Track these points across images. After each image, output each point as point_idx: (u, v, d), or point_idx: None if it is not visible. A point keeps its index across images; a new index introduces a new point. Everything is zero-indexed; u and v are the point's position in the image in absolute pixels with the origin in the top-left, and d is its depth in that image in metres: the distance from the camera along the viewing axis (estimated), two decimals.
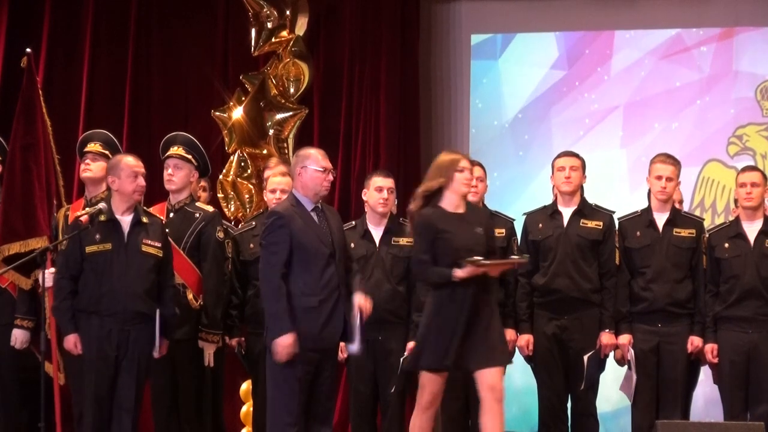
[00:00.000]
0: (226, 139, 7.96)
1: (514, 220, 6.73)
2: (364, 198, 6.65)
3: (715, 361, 6.39)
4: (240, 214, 7.84)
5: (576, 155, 6.63)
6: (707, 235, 6.51)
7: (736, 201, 6.78)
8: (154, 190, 7.26)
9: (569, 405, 6.55)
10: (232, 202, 7.93)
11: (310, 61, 8.12)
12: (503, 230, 6.56)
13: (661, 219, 6.51)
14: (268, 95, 7.98)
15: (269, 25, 8.02)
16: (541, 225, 6.58)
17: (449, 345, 5.65)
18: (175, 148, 6.53)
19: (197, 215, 6.42)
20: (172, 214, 6.45)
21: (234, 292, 6.57)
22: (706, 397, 7.28)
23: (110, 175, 6.00)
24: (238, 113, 7.89)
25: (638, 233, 6.51)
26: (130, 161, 6.01)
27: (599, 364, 6.49)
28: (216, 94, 8.29)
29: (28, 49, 6.74)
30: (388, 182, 6.58)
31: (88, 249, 5.88)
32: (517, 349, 6.54)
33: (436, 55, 8.51)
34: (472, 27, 8.49)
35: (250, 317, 6.47)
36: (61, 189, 6.78)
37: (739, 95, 8.08)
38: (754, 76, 8.08)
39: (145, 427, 6.60)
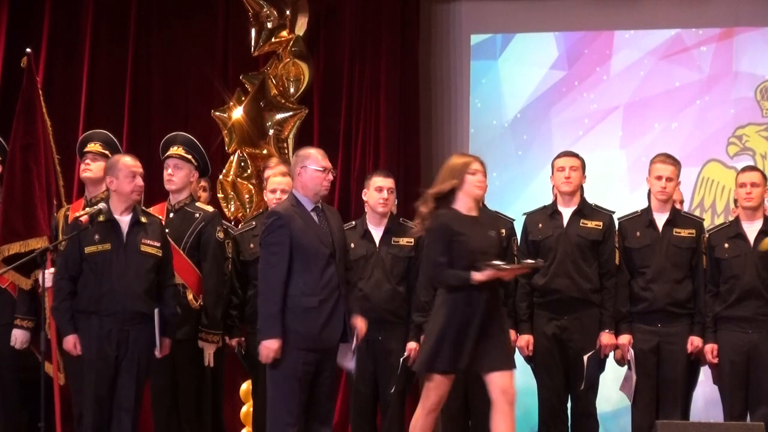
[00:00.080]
0: (226, 139, 7.96)
1: (513, 220, 6.73)
2: (364, 198, 6.66)
3: (715, 361, 6.39)
4: (240, 214, 7.84)
5: (576, 155, 6.63)
6: (707, 235, 6.51)
7: (736, 201, 6.78)
8: (154, 190, 7.27)
9: (569, 405, 6.55)
10: (232, 202, 7.93)
11: (310, 61, 8.12)
12: (503, 230, 6.56)
13: (661, 219, 6.51)
14: (268, 95, 7.98)
15: (269, 25, 8.02)
16: (540, 225, 6.58)
17: (463, 348, 5.65)
18: (175, 148, 6.53)
19: (197, 215, 6.42)
20: (172, 214, 6.45)
21: (234, 292, 6.57)
22: (706, 397, 7.28)
23: (108, 176, 6.00)
24: (238, 113, 7.89)
25: (638, 233, 6.51)
26: (127, 161, 6.01)
27: (599, 364, 6.49)
28: (216, 94, 8.29)
29: (28, 49, 6.74)
30: (388, 182, 6.58)
31: (87, 249, 5.88)
32: (517, 349, 6.54)
33: (436, 55, 8.51)
34: (472, 27, 8.49)
35: (250, 317, 6.47)
36: (61, 189, 6.78)
37: (739, 95, 8.08)
38: (754, 76, 8.08)
39: (145, 427, 6.60)
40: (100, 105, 8.58)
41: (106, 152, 6.49)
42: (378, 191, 6.55)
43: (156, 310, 5.89)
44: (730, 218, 6.97)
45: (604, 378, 6.58)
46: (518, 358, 6.57)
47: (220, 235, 6.42)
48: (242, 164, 7.94)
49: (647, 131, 8.17)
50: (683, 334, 6.41)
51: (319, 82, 8.38)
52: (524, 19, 8.40)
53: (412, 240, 6.57)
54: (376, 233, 6.58)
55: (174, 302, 6.06)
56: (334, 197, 7.98)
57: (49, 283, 6.15)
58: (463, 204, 5.78)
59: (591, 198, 6.68)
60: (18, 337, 6.47)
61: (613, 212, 6.64)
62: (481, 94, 8.45)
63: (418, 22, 8.41)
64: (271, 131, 7.96)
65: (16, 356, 6.52)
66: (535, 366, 6.59)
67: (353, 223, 6.70)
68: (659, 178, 6.48)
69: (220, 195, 7.92)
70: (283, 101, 8.01)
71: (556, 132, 8.30)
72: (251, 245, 6.51)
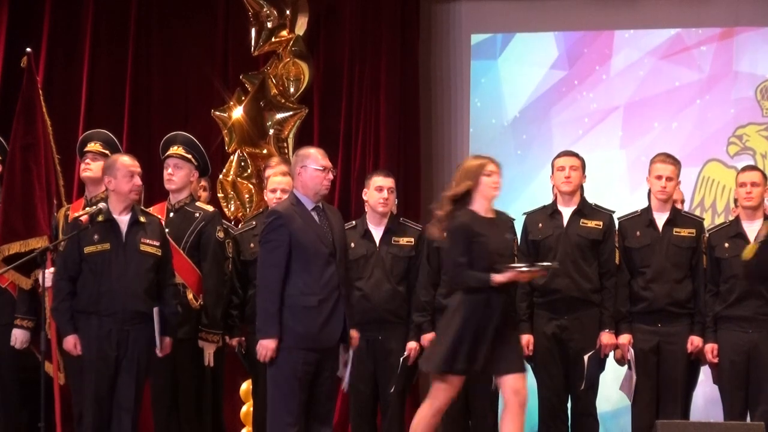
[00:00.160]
0: (226, 139, 7.96)
1: (514, 220, 6.72)
2: (365, 198, 6.66)
3: (715, 361, 6.38)
4: (240, 214, 7.84)
5: (576, 155, 6.63)
6: (707, 235, 6.51)
7: (736, 201, 6.78)
8: (154, 190, 7.27)
9: (569, 405, 6.55)
10: (232, 202, 7.93)
11: (310, 61, 8.12)
12: None
13: (661, 219, 6.51)
14: (268, 95, 7.97)
15: (269, 24, 8.02)
16: (540, 225, 6.58)
17: (480, 350, 5.65)
18: (175, 147, 6.53)
19: (197, 215, 6.42)
20: (172, 214, 6.45)
21: (234, 292, 6.56)
22: (706, 397, 7.27)
23: (106, 176, 6.00)
24: (238, 113, 7.89)
25: (638, 233, 6.51)
26: (125, 161, 6.01)
27: (599, 364, 6.49)
28: (216, 94, 8.29)
29: (28, 49, 6.74)
30: (388, 182, 6.59)
31: (87, 250, 5.88)
32: None
33: (436, 55, 8.51)
34: (472, 27, 8.49)
35: (251, 317, 6.45)
36: (61, 189, 6.78)
37: (739, 95, 8.08)
38: (754, 76, 8.08)
39: (145, 427, 6.60)
40: (100, 105, 8.57)
41: (106, 152, 6.50)
42: (378, 191, 6.56)
43: (155, 309, 5.88)
44: (731, 218, 6.97)
45: (604, 378, 6.58)
46: None
47: (220, 234, 6.42)
48: (242, 164, 7.94)
49: (647, 131, 8.17)
50: (683, 333, 6.41)
51: (319, 82, 8.38)
52: (524, 18, 8.40)
53: (412, 240, 6.58)
54: (377, 233, 6.58)
55: (174, 301, 6.06)
56: (334, 197, 7.98)
57: (49, 282, 6.15)
58: (479, 205, 5.79)
59: (591, 198, 6.68)
60: (18, 336, 6.47)
61: (613, 212, 6.64)
62: (481, 93, 8.44)
63: (418, 22, 8.41)
64: (271, 131, 7.96)
65: (16, 356, 6.52)
66: (535, 366, 6.58)
67: (353, 222, 6.70)
68: (659, 177, 6.48)
69: (220, 195, 7.92)
70: (283, 101, 8.01)
71: (556, 132, 8.30)
72: (251, 245, 6.51)
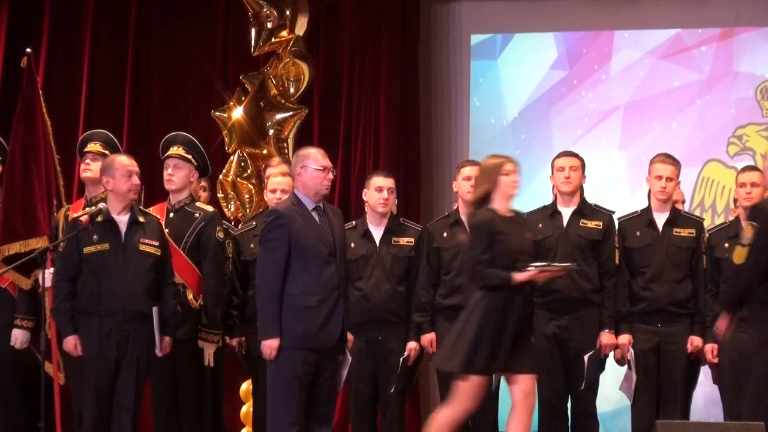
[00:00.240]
0: (226, 139, 7.96)
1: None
2: (365, 198, 6.66)
3: (715, 361, 6.38)
4: (240, 214, 7.84)
5: (575, 155, 6.63)
6: (707, 235, 6.51)
7: (735, 201, 6.78)
8: (154, 190, 7.27)
9: (569, 405, 6.55)
10: (232, 202, 7.93)
11: (310, 61, 8.12)
12: None
13: (660, 219, 6.51)
14: (268, 95, 7.98)
15: (269, 25, 8.02)
16: (540, 225, 6.57)
17: (500, 349, 5.63)
18: (175, 148, 6.53)
19: (197, 215, 6.42)
20: (172, 214, 6.45)
21: (235, 292, 6.56)
22: (706, 397, 7.27)
23: (104, 176, 6.00)
24: (238, 113, 7.89)
25: (638, 233, 6.51)
26: (123, 160, 6.01)
27: (599, 364, 6.49)
28: (216, 94, 8.29)
29: (28, 49, 6.74)
30: (388, 182, 6.59)
31: (86, 250, 5.88)
32: None
33: (436, 55, 8.51)
34: (472, 27, 8.49)
35: (251, 317, 6.46)
36: (61, 189, 6.78)
37: (739, 95, 8.08)
38: (754, 76, 8.08)
39: (145, 427, 6.60)
40: (100, 105, 8.57)
41: (106, 152, 6.50)
42: (378, 191, 6.56)
43: (154, 309, 5.88)
44: (730, 218, 6.97)
45: (604, 378, 6.58)
46: None
47: (220, 234, 6.42)
48: (242, 164, 7.94)
49: (647, 131, 8.17)
50: (683, 333, 6.41)
51: (319, 82, 8.38)
52: (524, 19, 8.40)
53: (412, 240, 6.59)
54: (377, 233, 6.59)
55: (174, 301, 6.06)
56: (334, 197, 7.98)
57: (49, 283, 6.15)
58: (500, 204, 5.79)
59: (591, 198, 6.68)
60: (18, 337, 6.46)
61: (613, 212, 6.64)
62: (481, 93, 8.45)
63: (418, 22, 8.41)
64: (271, 131, 7.96)
65: (16, 356, 6.52)
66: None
67: (353, 222, 6.70)
68: (659, 177, 6.48)
69: (220, 195, 7.92)
70: (283, 101, 8.01)
71: (556, 132, 8.30)
72: (251, 245, 6.51)
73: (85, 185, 6.69)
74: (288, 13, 8.03)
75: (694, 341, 6.39)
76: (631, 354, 6.42)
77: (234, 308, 6.56)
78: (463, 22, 8.49)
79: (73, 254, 5.90)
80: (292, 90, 8.08)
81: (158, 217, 6.24)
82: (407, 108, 8.30)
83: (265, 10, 8.01)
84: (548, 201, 6.74)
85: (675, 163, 6.53)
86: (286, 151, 7.88)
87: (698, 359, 6.47)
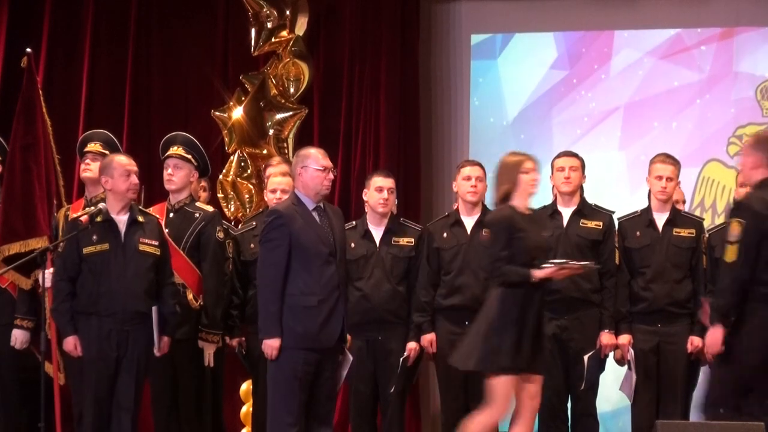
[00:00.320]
0: (226, 139, 7.96)
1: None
2: (365, 198, 6.66)
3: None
4: (240, 214, 7.84)
5: (575, 155, 6.63)
6: (707, 235, 6.51)
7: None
8: (154, 190, 7.27)
9: (569, 405, 6.55)
10: (232, 202, 7.93)
11: (310, 61, 8.12)
12: None
13: (660, 219, 6.51)
14: (268, 95, 7.97)
15: (269, 25, 8.02)
16: None
17: (522, 346, 5.59)
18: (175, 148, 6.53)
19: (197, 215, 6.42)
20: (171, 214, 6.45)
21: (235, 292, 6.57)
22: None
23: (103, 176, 6.00)
24: (238, 113, 7.89)
25: (638, 233, 6.51)
26: (122, 160, 6.02)
27: (599, 364, 6.49)
28: (216, 94, 8.28)
29: (28, 49, 6.74)
30: (388, 182, 6.59)
31: (86, 250, 5.88)
32: None
33: (436, 55, 8.51)
34: (472, 27, 8.49)
35: (251, 317, 6.46)
36: (61, 189, 6.78)
37: (739, 95, 8.08)
38: (754, 76, 8.08)
39: (145, 427, 6.60)
40: (100, 105, 8.57)
41: (106, 152, 6.50)
42: (378, 191, 6.56)
43: (154, 309, 5.89)
44: None
45: (604, 378, 6.58)
46: None
47: (220, 235, 6.42)
48: (242, 164, 7.94)
49: (647, 131, 8.17)
50: (683, 333, 6.41)
51: (319, 82, 8.38)
52: (524, 19, 8.40)
53: (413, 240, 6.59)
54: (377, 233, 6.59)
55: (173, 301, 6.06)
56: (334, 197, 7.98)
57: (49, 283, 6.15)
58: (519, 202, 5.77)
59: (591, 198, 6.68)
60: (18, 337, 6.47)
61: (613, 212, 6.64)
62: (481, 93, 8.44)
63: (418, 22, 8.41)
64: (271, 131, 7.96)
65: (16, 356, 6.52)
66: None
67: (353, 223, 6.71)
68: (659, 178, 6.48)
69: (220, 195, 7.92)
70: (283, 101, 8.01)
71: (556, 132, 8.30)
72: (252, 245, 6.51)
73: (85, 185, 6.69)
74: (288, 13, 8.02)
75: (694, 341, 6.38)
76: (631, 354, 6.42)
77: (234, 308, 6.56)
78: (463, 22, 8.48)
79: (72, 254, 5.90)
80: (292, 90, 8.08)
81: (157, 216, 6.24)
82: (407, 108, 8.29)
83: (265, 10, 8.01)
84: (548, 201, 6.74)
85: (675, 163, 6.53)
86: (286, 151, 7.88)
87: (698, 359, 6.46)
